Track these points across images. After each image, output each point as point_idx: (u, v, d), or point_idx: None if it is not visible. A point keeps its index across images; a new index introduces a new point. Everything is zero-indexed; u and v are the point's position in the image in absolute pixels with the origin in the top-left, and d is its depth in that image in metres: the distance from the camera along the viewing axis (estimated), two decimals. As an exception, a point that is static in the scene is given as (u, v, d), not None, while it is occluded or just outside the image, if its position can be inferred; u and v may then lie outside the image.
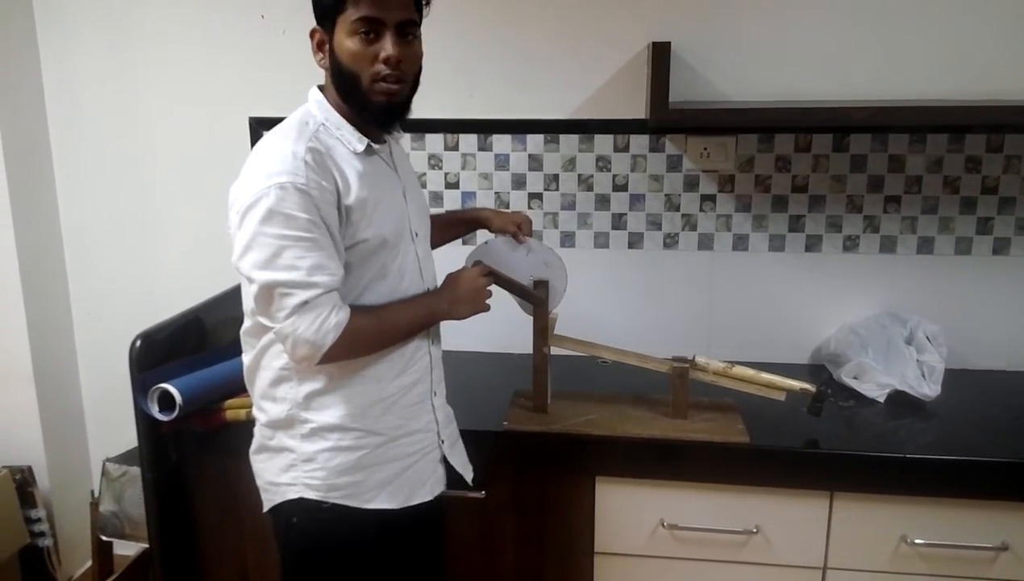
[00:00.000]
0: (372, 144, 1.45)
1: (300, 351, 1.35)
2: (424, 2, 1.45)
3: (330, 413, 1.44)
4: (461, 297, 1.55)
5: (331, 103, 1.44)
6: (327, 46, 1.41)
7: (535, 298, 1.79)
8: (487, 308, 1.60)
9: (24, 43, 2.37)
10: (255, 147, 1.41)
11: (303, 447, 1.45)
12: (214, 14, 2.29)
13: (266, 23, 2.27)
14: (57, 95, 2.43)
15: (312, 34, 1.44)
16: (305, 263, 1.32)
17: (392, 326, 1.46)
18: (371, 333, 1.42)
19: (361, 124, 1.44)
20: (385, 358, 1.46)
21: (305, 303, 1.32)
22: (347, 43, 1.37)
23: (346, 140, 1.42)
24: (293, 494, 1.47)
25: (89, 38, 2.37)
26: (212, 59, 2.33)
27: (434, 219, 1.72)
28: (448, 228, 1.85)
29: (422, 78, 1.48)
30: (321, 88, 1.47)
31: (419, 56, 1.44)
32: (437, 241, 1.75)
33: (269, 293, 1.33)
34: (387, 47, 1.36)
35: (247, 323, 1.49)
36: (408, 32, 1.39)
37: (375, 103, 1.39)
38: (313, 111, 1.44)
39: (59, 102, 2.43)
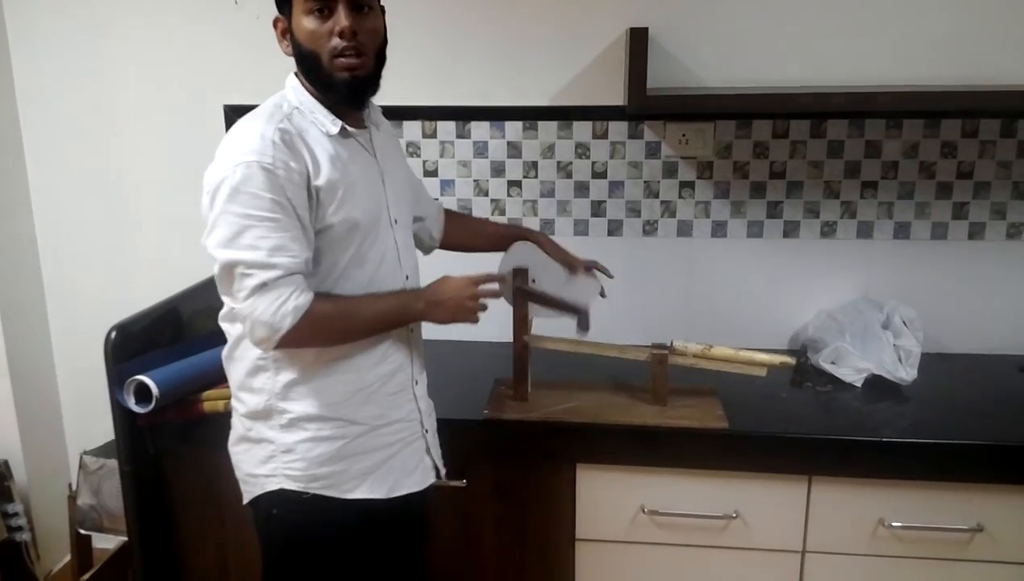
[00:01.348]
0: (348, 127, 1.44)
1: (257, 333, 1.35)
2: None
3: (308, 403, 1.43)
4: (441, 302, 1.51)
5: (306, 88, 1.44)
6: (289, 33, 1.41)
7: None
8: (474, 320, 1.55)
9: (-7, 31, 2.33)
10: (228, 132, 1.40)
11: (282, 438, 1.44)
12: (187, 0, 2.26)
13: (239, 9, 2.24)
14: (28, 85, 2.39)
15: (275, 24, 1.44)
16: (267, 244, 1.31)
17: (357, 317, 1.43)
18: (333, 322, 1.40)
19: (336, 107, 1.43)
20: (363, 347, 1.45)
21: (264, 285, 1.32)
22: (303, 23, 1.37)
23: (320, 123, 1.41)
24: (273, 485, 1.46)
25: (59, 27, 2.33)
26: (186, 46, 2.29)
27: (483, 227, 1.76)
28: (497, 241, 1.81)
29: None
30: (297, 74, 1.46)
31: (379, 29, 1.43)
32: (476, 245, 1.77)
33: (230, 272, 1.33)
34: (340, 20, 1.35)
35: (224, 309, 1.48)
36: (363, 4, 1.38)
37: (339, 80, 1.38)
38: (288, 96, 1.44)
39: (30, 92, 2.39)
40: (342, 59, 1.37)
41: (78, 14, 2.31)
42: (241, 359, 1.46)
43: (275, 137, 1.33)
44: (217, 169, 1.33)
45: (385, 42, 1.45)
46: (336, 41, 1.36)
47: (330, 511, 1.46)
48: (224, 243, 1.32)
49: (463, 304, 1.52)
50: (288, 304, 1.33)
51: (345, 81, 1.38)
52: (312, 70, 1.40)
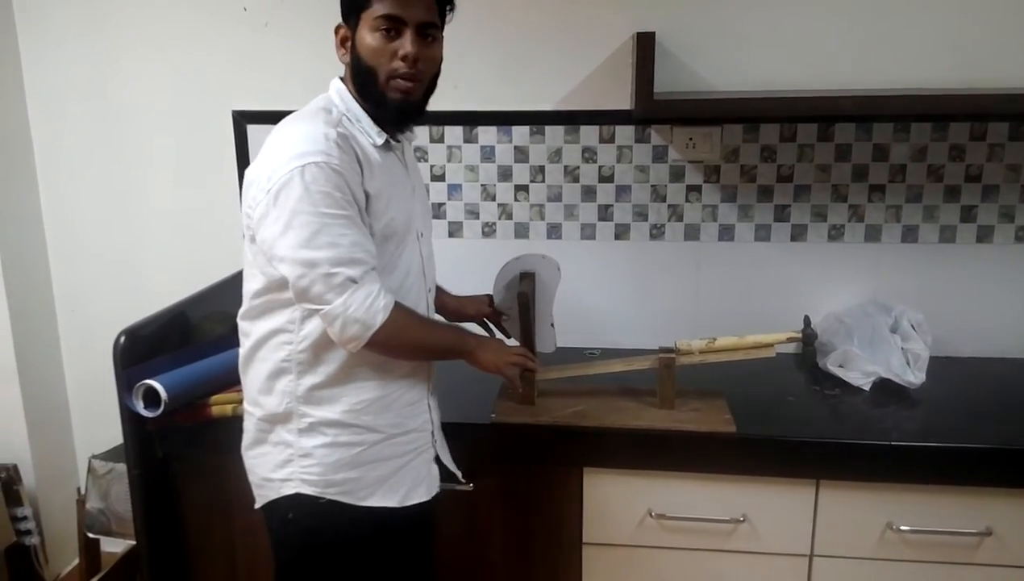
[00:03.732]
0: (390, 139, 1.47)
1: (350, 331, 1.35)
2: (448, 8, 1.48)
3: (330, 408, 1.44)
4: (490, 347, 1.57)
5: (354, 97, 1.45)
6: (350, 42, 1.42)
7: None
8: (508, 375, 1.57)
9: (3, 36, 2.34)
10: (277, 129, 1.41)
11: (300, 442, 1.45)
12: (196, 6, 2.27)
13: (249, 15, 2.25)
14: (38, 88, 2.40)
15: (336, 29, 1.45)
16: (346, 240, 1.33)
17: (426, 332, 1.49)
18: (410, 330, 1.43)
19: (379, 120, 1.45)
20: (385, 356, 1.45)
21: (354, 281, 1.33)
22: (368, 39, 1.39)
23: (366, 132, 1.43)
24: (289, 490, 1.46)
25: (70, 30, 2.34)
26: (195, 52, 2.30)
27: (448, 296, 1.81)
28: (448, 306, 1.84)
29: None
30: (343, 80, 1.48)
31: (437, 58, 1.46)
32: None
33: (311, 273, 1.32)
34: (406, 45, 1.38)
35: (245, 306, 1.48)
36: (428, 33, 1.42)
37: (390, 100, 1.41)
38: (335, 100, 1.45)
39: (40, 98, 2.41)
40: (399, 81, 1.40)
41: (88, 21, 2.33)
42: (264, 360, 1.46)
43: (337, 139, 1.35)
44: (278, 167, 1.33)
45: (439, 71, 1.48)
46: (397, 64, 1.39)
47: (345, 517, 1.46)
48: (303, 243, 1.31)
49: (508, 358, 1.57)
50: (379, 301, 1.35)
51: (396, 102, 1.41)
52: (366, 84, 1.42)
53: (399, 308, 1.39)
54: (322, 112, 1.41)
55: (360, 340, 1.36)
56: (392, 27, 1.38)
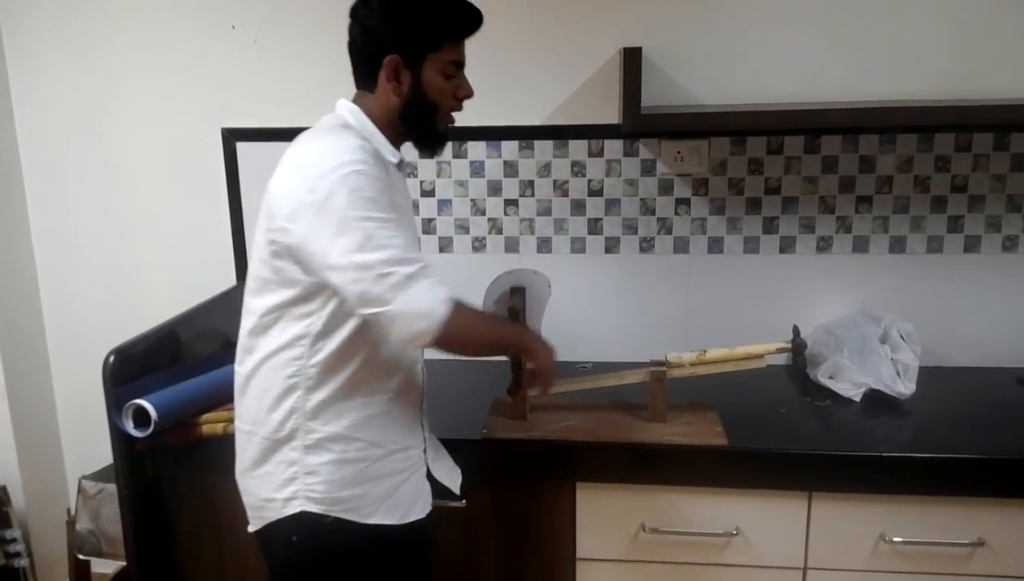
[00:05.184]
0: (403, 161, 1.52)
1: (416, 326, 1.32)
2: None
3: (337, 423, 1.43)
4: (543, 342, 1.57)
5: (368, 117, 1.47)
6: (406, 75, 1.45)
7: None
8: (551, 373, 1.57)
9: (-9, 56, 2.34)
10: (302, 146, 1.41)
11: (306, 459, 1.43)
12: (184, 23, 2.28)
13: (237, 33, 2.26)
14: (25, 104, 2.40)
15: (387, 62, 1.43)
16: (397, 242, 1.33)
17: (489, 323, 1.53)
18: (472, 322, 1.43)
19: (397, 142, 1.50)
20: (384, 372, 1.45)
21: (411, 277, 1.31)
22: (437, 80, 1.46)
23: (381, 152, 1.45)
24: (293, 508, 1.44)
25: (57, 46, 2.34)
26: (183, 69, 2.31)
27: None
28: None
29: None
30: (355, 101, 1.49)
31: None
32: None
33: (366, 277, 1.30)
34: (467, 87, 1.51)
35: (252, 322, 1.45)
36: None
37: (442, 130, 1.52)
38: (350, 120, 1.47)
39: (27, 111, 2.40)
40: (452, 114, 1.52)
41: (76, 39, 2.33)
42: (271, 377, 1.43)
43: (369, 150, 1.38)
44: (319, 178, 1.32)
45: None
46: (456, 102, 1.50)
47: (349, 536, 1.45)
48: (356, 248, 1.30)
49: (554, 357, 1.57)
50: (440, 293, 1.34)
51: (446, 133, 1.53)
52: (422, 117, 1.48)
53: (460, 301, 1.38)
54: (343, 128, 1.44)
55: (428, 334, 1.32)
56: (458, 70, 1.49)
